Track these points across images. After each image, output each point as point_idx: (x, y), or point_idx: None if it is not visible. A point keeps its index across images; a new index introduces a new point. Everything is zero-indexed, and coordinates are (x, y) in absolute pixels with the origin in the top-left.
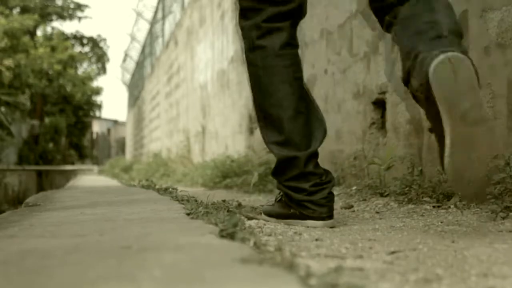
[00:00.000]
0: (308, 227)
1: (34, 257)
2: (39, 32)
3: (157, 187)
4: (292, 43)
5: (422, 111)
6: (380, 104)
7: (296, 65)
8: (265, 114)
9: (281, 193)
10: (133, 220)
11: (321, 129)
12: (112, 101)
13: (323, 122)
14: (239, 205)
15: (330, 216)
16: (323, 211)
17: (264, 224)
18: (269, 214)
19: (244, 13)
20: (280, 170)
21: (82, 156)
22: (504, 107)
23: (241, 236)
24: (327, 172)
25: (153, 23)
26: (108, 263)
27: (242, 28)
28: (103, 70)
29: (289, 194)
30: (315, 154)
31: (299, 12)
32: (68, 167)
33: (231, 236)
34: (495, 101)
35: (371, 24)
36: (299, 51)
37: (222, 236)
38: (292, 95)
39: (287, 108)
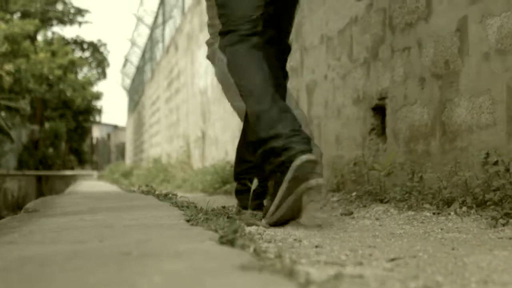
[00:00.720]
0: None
1: (34, 263)
2: (39, 37)
3: (157, 193)
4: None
5: (422, 118)
6: (380, 110)
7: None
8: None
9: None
10: (133, 226)
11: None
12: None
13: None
14: (239, 211)
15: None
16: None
17: (264, 231)
18: (273, 212)
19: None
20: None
21: (82, 161)
22: (504, 113)
23: (241, 243)
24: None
25: (153, 28)
26: (108, 269)
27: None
28: (103, 75)
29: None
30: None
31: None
32: (68, 172)
33: (231, 243)
34: (494, 107)
35: (371, 30)
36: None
37: (222, 243)
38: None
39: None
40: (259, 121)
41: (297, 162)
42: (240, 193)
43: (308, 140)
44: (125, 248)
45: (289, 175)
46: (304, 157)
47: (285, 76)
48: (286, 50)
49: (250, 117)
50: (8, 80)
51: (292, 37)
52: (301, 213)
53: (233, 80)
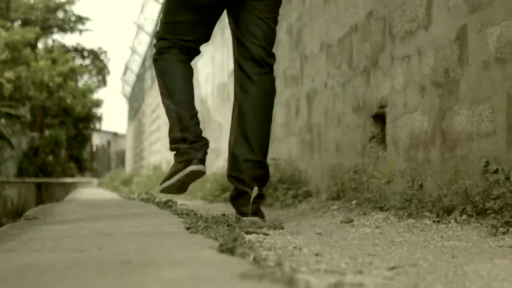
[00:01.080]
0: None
1: (34, 272)
2: (40, 45)
3: (156, 200)
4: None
5: (422, 126)
6: (380, 118)
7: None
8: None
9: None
10: (133, 234)
11: None
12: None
13: None
14: (239, 219)
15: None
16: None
17: (264, 239)
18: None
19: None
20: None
21: (81, 168)
22: (504, 121)
23: (240, 251)
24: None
25: (153, 36)
26: (107, 278)
27: None
28: (103, 82)
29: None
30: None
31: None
32: (68, 180)
33: (231, 251)
34: (494, 115)
35: (371, 38)
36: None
37: (221, 251)
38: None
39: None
40: (177, 122)
41: (191, 168)
42: (240, 196)
43: (205, 145)
44: (125, 256)
45: (182, 173)
46: (194, 167)
47: (254, 79)
48: (258, 61)
49: (171, 115)
50: (8, 87)
51: (291, 45)
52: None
53: (160, 80)
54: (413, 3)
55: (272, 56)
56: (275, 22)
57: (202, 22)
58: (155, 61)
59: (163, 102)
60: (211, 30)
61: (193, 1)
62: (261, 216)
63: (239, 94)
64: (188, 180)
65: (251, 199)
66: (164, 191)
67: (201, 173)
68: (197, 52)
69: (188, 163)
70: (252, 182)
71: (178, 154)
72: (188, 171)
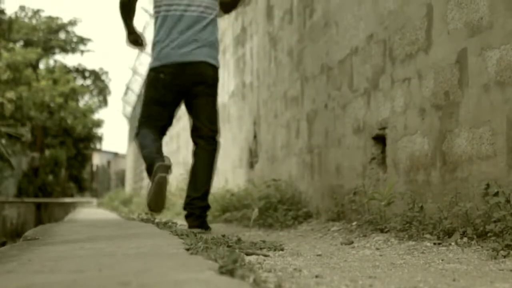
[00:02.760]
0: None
1: None
2: (41, 65)
3: (156, 221)
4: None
5: (422, 148)
6: (380, 140)
7: None
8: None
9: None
10: (132, 255)
11: None
12: (113, 134)
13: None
14: (239, 240)
15: None
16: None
17: (264, 260)
18: (147, 197)
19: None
20: None
21: (81, 188)
22: (504, 144)
23: (240, 273)
24: None
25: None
26: None
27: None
28: (104, 102)
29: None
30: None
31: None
32: (67, 200)
33: (231, 273)
34: (495, 138)
35: (371, 60)
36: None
37: (221, 273)
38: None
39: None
40: (149, 159)
41: (156, 165)
42: (189, 216)
43: (165, 160)
44: (124, 277)
45: (154, 174)
46: (159, 163)
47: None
48: (205, 138)
49: (145, 159)
50: (9, 107)
51: (292, 67)
52: (163, 203)
53: (138, 143)
54: (413, 26)
55: (215, 131)
56: (216, 102)
57: (166, 112)
58: (136, 135)
59: (141, 155)
60: (173, 117)
61: (161, 100)
62: (206, 228)
63: (193, 157)
64: (159, 189)
65: (196, 217)
66: (149, 207)
67: (166, 179)
68: (165, 131)
69: (155, 173)
70: (197, 209)
71: (150, 177)
72: (156, 179)
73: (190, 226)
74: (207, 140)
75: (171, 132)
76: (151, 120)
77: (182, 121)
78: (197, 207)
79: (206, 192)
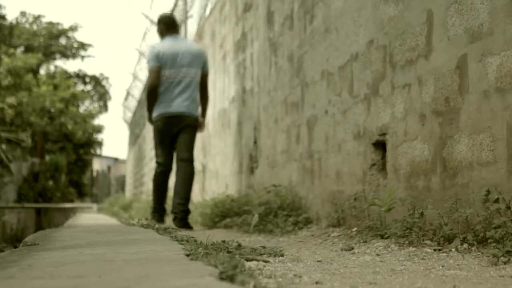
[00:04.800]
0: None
1: None
2: (42, 71)
3: (156, 226)
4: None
5: (423, 154)
6: (380, 146)
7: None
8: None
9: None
10: (132, 261)
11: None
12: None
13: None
14: (239, 245)
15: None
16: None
17: (264, 266)
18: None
19: None
20: None
21: (81, 193)
22: (504, 150)
23: (240, 279)
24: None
25: None
26: None
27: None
28: (104, 108)
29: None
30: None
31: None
32: (67, 205)
33: (231, 279)
34: (495, 144)
35: (371, 66)
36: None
37: (221, 279)
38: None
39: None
40: (157, 202)
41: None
42: (175, 219)
43: (163, 212)
44: (124, 283)
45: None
46: (160, 225)
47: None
48: (185, 161)
49: (154, 197)
50: (10, 113)
51: (292, 72)
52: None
53: (153, 185)
54: (413, 32)
55: (192, 156)
56: (195, 134)
57: (166, 147)
58: (155, 176)
59: (153, 192)
60: (172, 158)
61: (165, 130)
62: (189, 227)
63: (175, 175)
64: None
65: (180, 220)
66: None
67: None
68: (169, 175)
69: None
70: (180, 213)
71: (153, 213)
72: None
73: (176, 226)
74: (187, 162)
75: None
76: (160, 160)
77: None
78: (181, 211)
79: (187, 200)
